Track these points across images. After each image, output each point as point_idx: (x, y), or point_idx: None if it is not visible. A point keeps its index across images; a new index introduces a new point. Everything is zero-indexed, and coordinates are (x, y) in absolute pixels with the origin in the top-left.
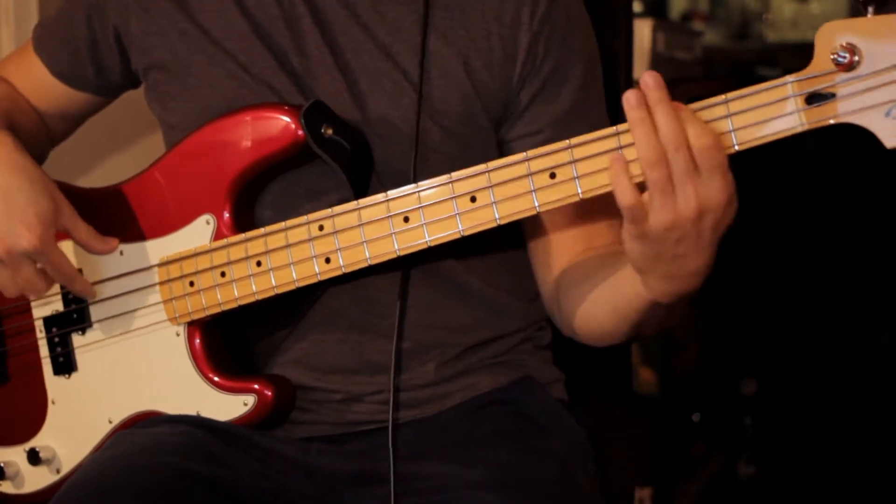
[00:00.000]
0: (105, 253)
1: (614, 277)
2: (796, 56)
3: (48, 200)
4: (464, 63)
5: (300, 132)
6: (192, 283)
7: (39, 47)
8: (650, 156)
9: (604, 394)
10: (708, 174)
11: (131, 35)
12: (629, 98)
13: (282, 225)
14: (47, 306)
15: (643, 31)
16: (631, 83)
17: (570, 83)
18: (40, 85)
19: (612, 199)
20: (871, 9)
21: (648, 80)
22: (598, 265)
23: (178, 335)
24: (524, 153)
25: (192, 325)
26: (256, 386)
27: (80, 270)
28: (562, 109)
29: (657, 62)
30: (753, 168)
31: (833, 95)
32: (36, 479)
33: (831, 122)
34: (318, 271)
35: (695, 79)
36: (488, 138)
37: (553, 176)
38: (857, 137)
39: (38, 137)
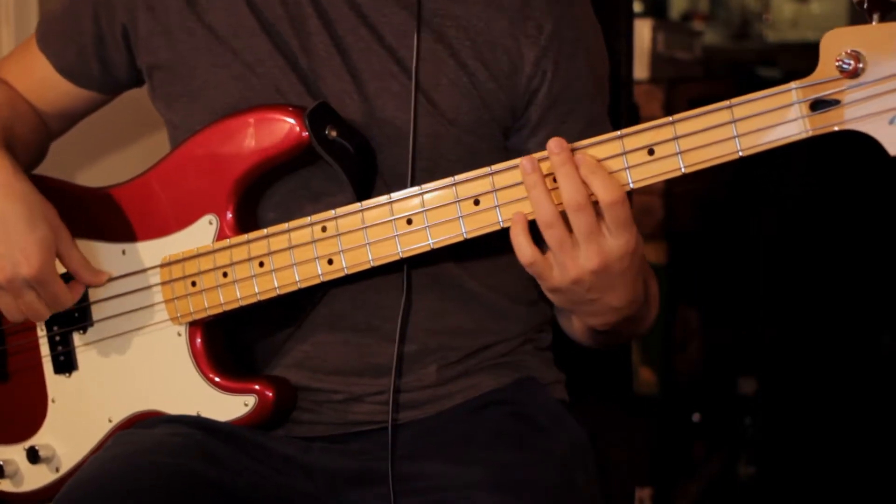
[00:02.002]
0: (93, 286)
1: None
2: (796, 56)
3: (47, 227)
4: (470, 74)
5: (304, 133)
6: (194, 284)
7: (43, 43)
8: (544, 218)
9: (604, 394)
10: (615, 228)
11: (138, 33)
12: (523, 164)
13: (285, 226)
14: None
15: (643, 31)
16: (631, 83)
17: (583, 102)
18: (43, 83)
19: None
20: (876, 16)
21: (552, 145)
22: None
23: (179, 335)
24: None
25: (194, 325)
26: (257, 387)
27: None
28: (575, 129)
29: (657, 62)
30: (754, 168)
31: (837, 102)
32: (35, 478)
33: (836, 128)
34: (320, 273)
35: (695, 79)
36: (498, 147)
37: (556, 180)
38: (858, 137)
39: (38, 141)
